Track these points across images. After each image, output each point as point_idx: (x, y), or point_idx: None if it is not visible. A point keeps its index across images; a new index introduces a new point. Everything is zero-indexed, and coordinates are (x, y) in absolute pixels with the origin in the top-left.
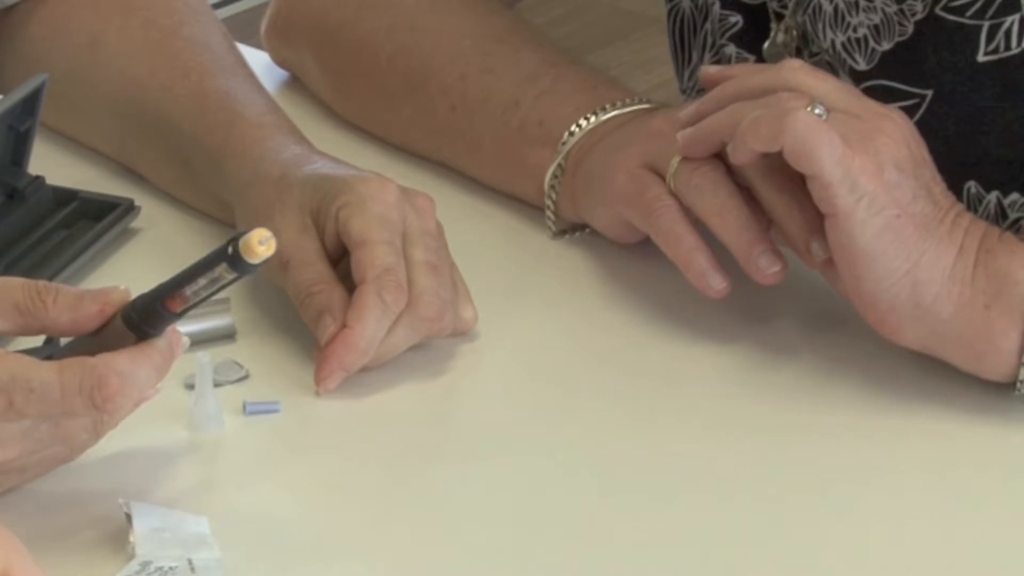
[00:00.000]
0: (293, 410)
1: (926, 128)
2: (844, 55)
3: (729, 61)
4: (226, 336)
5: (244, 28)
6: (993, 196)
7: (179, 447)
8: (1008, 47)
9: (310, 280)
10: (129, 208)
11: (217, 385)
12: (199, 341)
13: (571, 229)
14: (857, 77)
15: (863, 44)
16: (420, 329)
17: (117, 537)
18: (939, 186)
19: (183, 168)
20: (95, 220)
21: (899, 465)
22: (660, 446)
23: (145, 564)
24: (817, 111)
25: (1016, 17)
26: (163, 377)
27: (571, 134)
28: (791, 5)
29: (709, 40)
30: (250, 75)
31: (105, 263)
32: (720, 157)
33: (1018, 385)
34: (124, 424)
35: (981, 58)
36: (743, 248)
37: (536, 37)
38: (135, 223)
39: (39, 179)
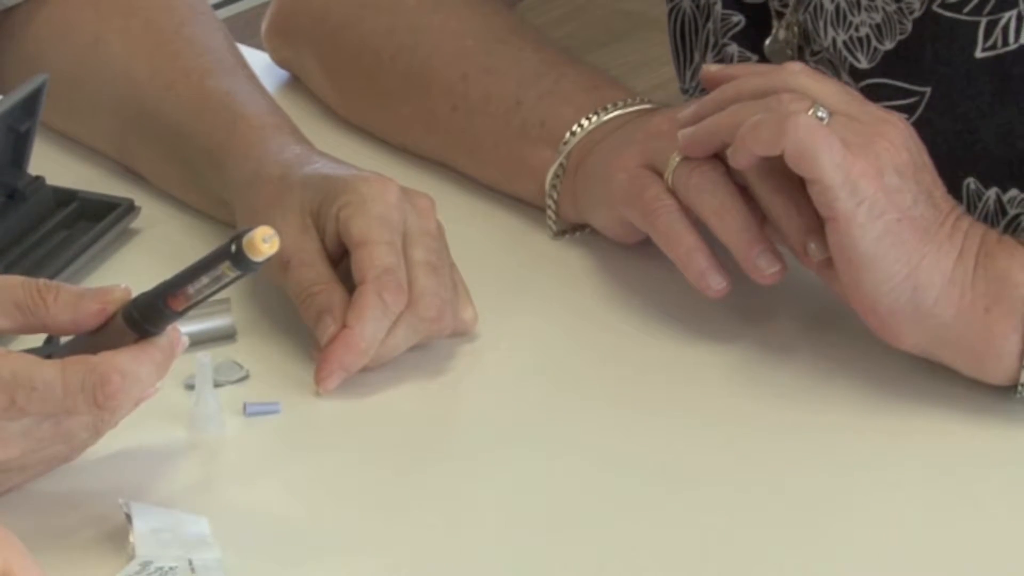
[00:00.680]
0: (293, 410)
1: (925, 125)
2: (845, 54)
3: (731, 60)
4: (226, 336)
5: (244, 28)
6: (992, 192)
7: (179, 447)
8: (1006, 43)
9: (310, 280)
10: (129, 208)
11: (217, 385)
12: (199, 341)
13: (572, 229)
14: (857, 75)
15: (865, 43)
16: (420, 329)
17: (117, 537)
18: (939, 190)
19: (183, 168)
20: (95, 220)
21: (899, 465)
22: (660, 446)
23: (145, 564)
24: (820, 114)
25: (1014, 13)
26: (164, 376)
27: (572, 134)
28: (792, 3)
29: (711, 40)
30: (251, 75)
31: (105, 263)
32: (720, 157)
33: (1019, 388)
34: (124, 424)
35: (979, 54)
36: (742, 248)
37: (537, 37)
38: (135, 223)
39: (39, 179)
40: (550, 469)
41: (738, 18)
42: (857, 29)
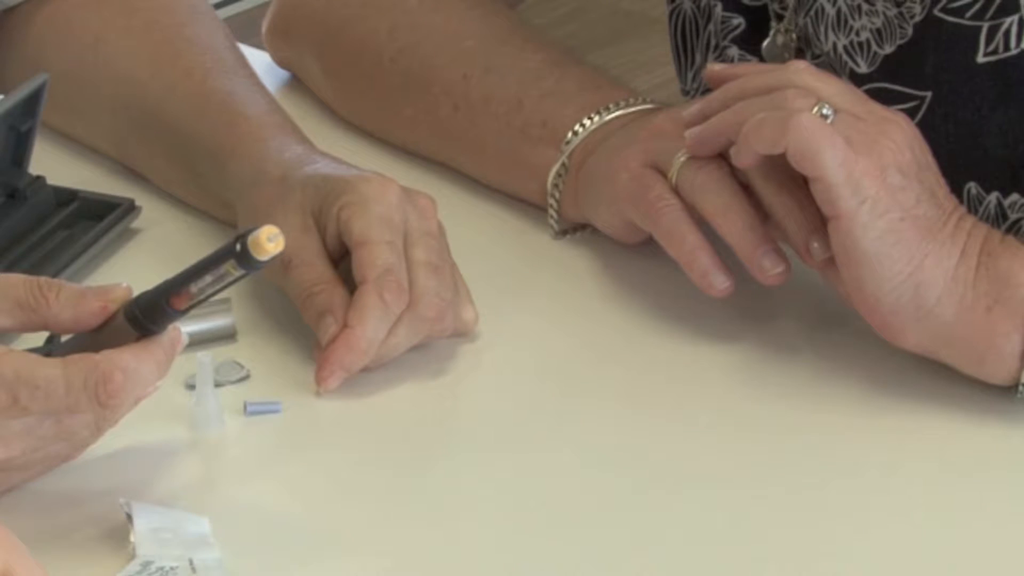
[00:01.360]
0: (294, 410)
1: (926, 130)
2: (845, 58)
3: (732, 62)
4: (227, 336)
5: (245, 28)
6: (993, 197)
7: (179, 447)
8: (1007, 48)
9: (311, 280)
10: (130, 208)
11: (218, 385)
12: (200, 341)
13: (573, 229)
14: (857, 80)
15: (865, 48)
16: (421, 329)
17: (118, 536)
18: (942, 189)
19: (185, 168)
20: (96, 220)
21: (900, 465)
22: (662, 445)
23: (146, 564)
24: (825, 111)
25: (1015, 18)
26: (165, 374)
27: (574, 134)
28: (791, 6)
29: (712, 42)
30: (252, 75)
31: (106, 263)
32: (724, 157)
33: (1020, 388)
34: (125, 424)
35: (980, 59)
36: (747, 248)
37: (538, 37)
38: (136, 223)
39: (40, 179)
40: (550, 469)
41: (738, 20)
42: (858, 34)
